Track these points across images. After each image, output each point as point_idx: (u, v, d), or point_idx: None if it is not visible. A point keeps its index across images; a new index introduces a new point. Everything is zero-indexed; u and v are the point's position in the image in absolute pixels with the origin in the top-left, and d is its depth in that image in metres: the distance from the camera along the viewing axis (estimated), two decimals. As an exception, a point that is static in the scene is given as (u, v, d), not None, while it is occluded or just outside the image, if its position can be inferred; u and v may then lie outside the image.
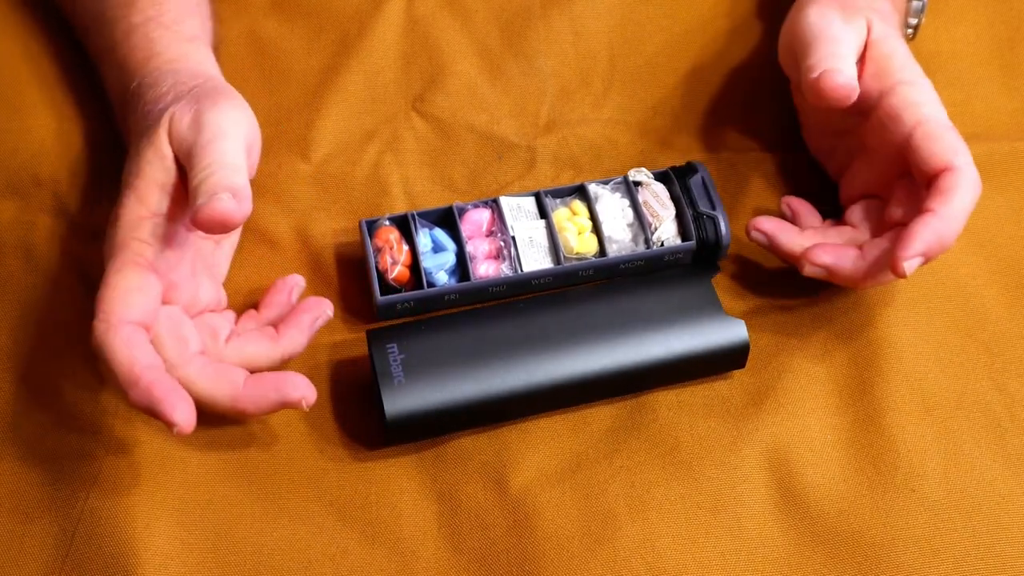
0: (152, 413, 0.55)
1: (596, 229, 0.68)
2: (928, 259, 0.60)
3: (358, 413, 0.65)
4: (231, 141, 0.58)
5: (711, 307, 0.64)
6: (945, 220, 0.59)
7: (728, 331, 0.64)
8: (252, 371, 0.60)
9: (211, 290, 0.64)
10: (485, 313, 0.65)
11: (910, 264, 0.59)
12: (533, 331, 0.63)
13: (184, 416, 0.55)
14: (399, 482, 0.63)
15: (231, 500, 0.62)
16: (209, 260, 0.65)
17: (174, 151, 0.59)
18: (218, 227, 0.56)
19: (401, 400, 0.61)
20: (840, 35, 0.63)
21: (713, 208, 0.68)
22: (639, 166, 0.72)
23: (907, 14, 0.73)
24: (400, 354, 0.62)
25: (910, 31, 0.74)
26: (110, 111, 0.70)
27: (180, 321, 0.60)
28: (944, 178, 0.60)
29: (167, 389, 0.55)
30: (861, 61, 0.65)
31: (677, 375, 0.65)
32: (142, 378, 0.55)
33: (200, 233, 0.61)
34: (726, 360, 0.65)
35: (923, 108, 0.62)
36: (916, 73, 0.64)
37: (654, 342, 0.63)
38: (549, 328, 0.63)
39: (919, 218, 0.60)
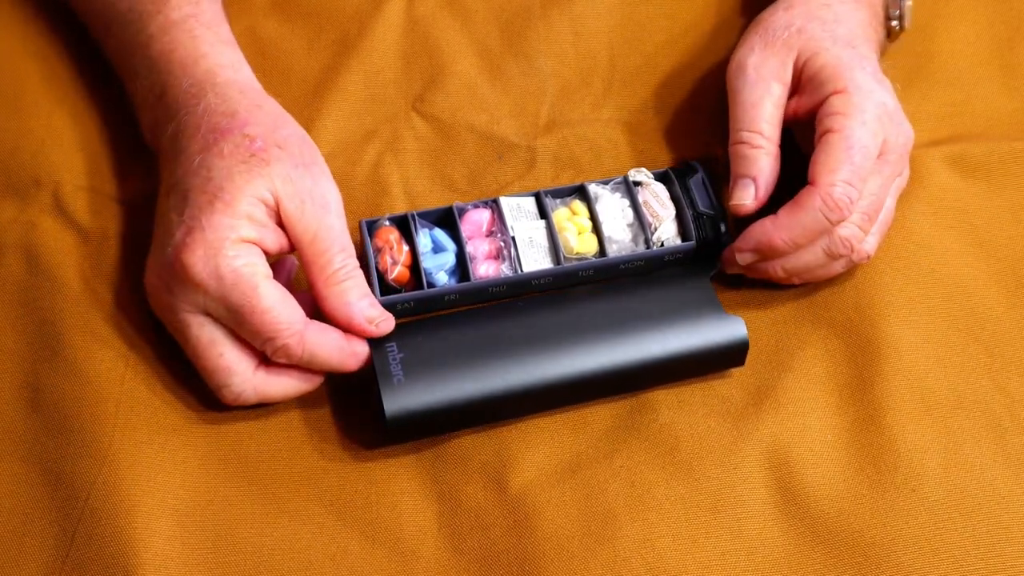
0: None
1: (596, 229, 0.68)
2: (761, 256, 0.65)
3: (358, 413, 0.65)
4: (345, 225, 0.63)
5: (710, 305, 0.64)
6: (779, 227, 0.64)
7: (727, 329, 0.64)
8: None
9: None
10: (484, 313, 0.65)
11: (742, 256, 0.66)
12: (532, 330, 0.63)
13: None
14: (399, 482, 0.63)
15: (231, 500, 0.62)
16: None
17: (282, 211, 0.61)
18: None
19: (401, 399, 0.61)
20: (754, 99, 0.67)
21: (713, 208, 0.68)
22: (639, 166, 0.72)
23: (887, 6, 0.73)
24: (399, 353, 0.62)
25: (894, 23, 0.73)
26: (125, 107, 0.70)
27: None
28: (805, 190, 0.64)
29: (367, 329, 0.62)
30: (797, 84, 0.68)
31: (677, 374, 0.65)
32: (356, 345, 0.62)
33: (276, 253, 0.63)
34: (725, 358, 0.65)
35: (836, 119, 0.64)
36: (846, 80, 0.65)
37: (654, 341, 0.63)
38: (548, 327, 0.63)
39: (761, 220, 0.65)
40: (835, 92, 0.65)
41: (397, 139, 0.74)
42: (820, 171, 0.64)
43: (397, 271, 0.66)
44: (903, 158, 0.67)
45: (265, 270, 0.60)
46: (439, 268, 0.67)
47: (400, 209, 0.71)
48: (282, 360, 0.61)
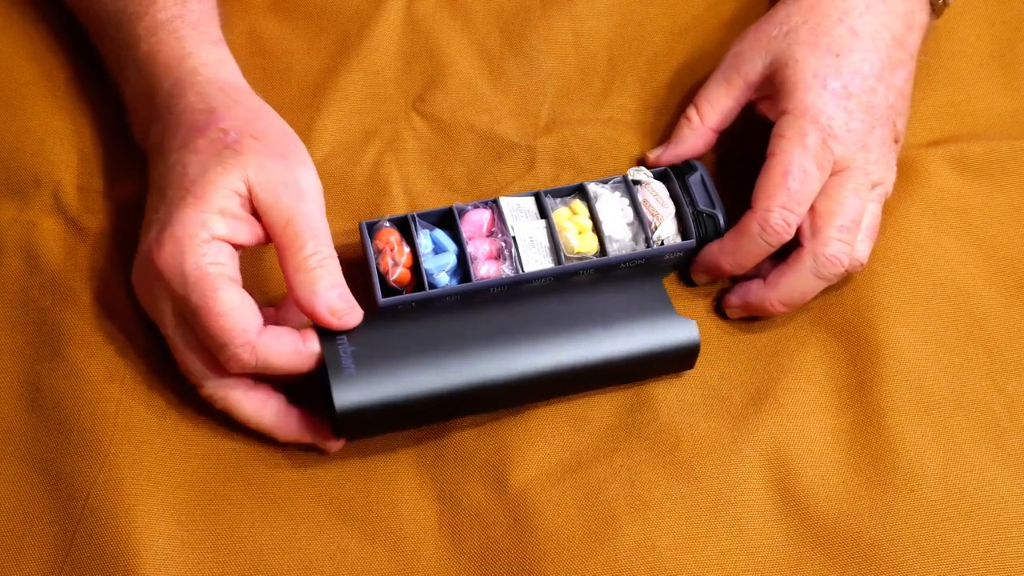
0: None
1: (596, 228, 0.68)
2: (714, 279, 0.68)
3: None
4: (323, 214, 0.62)
5: (663, 306, 0.64)
6: (724, 250, 0.66)
7: (679, 330, 0.64)
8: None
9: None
10: (437, 308, 0.64)
11: (697, 278, 0.69)
12: (484, 327, 0.62)
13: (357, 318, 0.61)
14: (399, 481, 0.63)
15: (231, 500, 0.62)
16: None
17: (255, 201, 0.60)
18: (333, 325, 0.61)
19: (351, 392, 0.60)
20: (714, 81, 0.71)
21: (713, 206, 0.68)
22: (638, 166, 0.72)
23: None
24: (350, 346, 0.61)
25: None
26: (122, 108, 0.70)
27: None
28: (746, 215, 0.65)
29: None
30: (769, 88, 0.69)
31: (630, 373, 0.65)
32: (311, 344, 0.61)
33: (252, 245, 0.62)
34: (677, 360, 0.65)
35: (779, 141, 0.65)
36: (796, 101, 0.66)
37: (605, 340, 0.63)
38: (501, 324, 0.63)
39: (709, 245, 0.67)
40: (784, 112, 0.66)
41: (397, 139, 0.74)
42: (758, 196, 0.65)
43: (398, 272, 0.66)
44: (877, 164, 0.67)
45: (231, 272, 0.59)
46: (440, 269, 0.67)
47: (400, 209, 0.71)
48: (234, 370, 0.60)
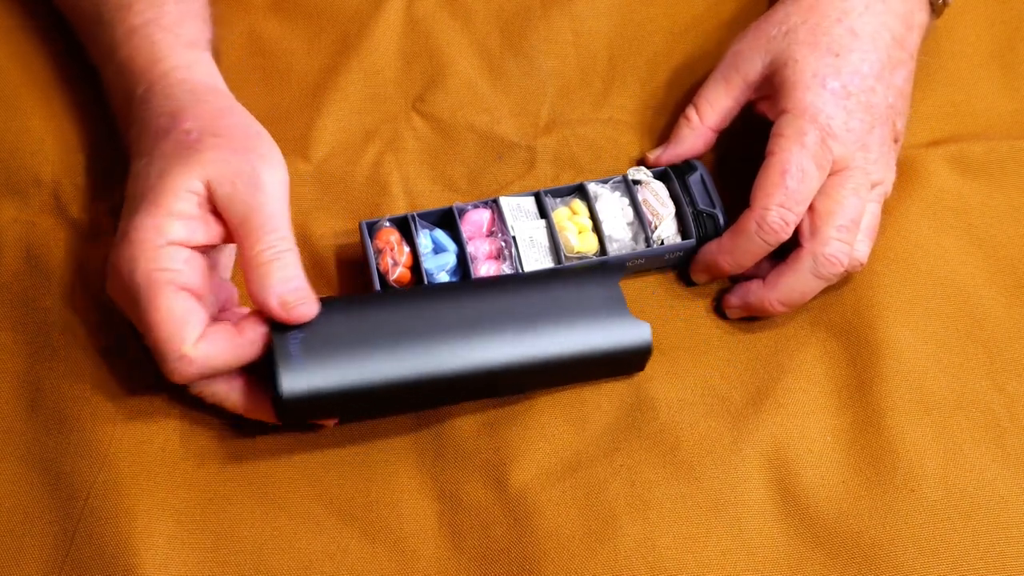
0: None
1: (596, 228, 0.68)
2: (713, 278, 0.69)
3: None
4: (286, 211, 0.60)
5: (617, 306, 0.63)
6: (723, 249, 0.66)
7: (632, 332, 0.63)
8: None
9: (225, 288, 0.64)
10: (389, 298, 0.63)
11: (697, 277, 0.69)
12: (436, 320, 0.61)
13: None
14: (399, 481, 0.63)
15: (231, 500, 0.62)
16: (218, 262, 0.65)
17: (214, 198, 0.59)
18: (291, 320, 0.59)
19: (296, 379, 0.58)
20: (713, 81, 0.71)
21: (713, 206, 0.68)
22: (638, 165, 0.72)
23: None
24: (300, 332, 0.60)
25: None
26: (110, 113, 0.70)
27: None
28: (744, 214, 0.65)
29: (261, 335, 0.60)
30: (768, 87, 0.69)
31: (579, 371, 0.64)
32: (249, 332, 0.59)
33: (214, 244, 0.61)
34: (627, 361, 0.64)
35: (778, 140, 0.65)
36: (795, 101, 0.66)
37: (555, 336, 0.62)
38: (452, 318, 0.62)
39: (708, 244, 0.68)
40: (783, 111, 0.66)
41: (397, 139, 0.74)
42: (756, 195, 0.65)
43: (398, 272, 0.66)
44: (876, 164, 0.67)
45: (185, 279, 0.58)
46: (440, 269, 0.67)
47: (400, 209, 0.71)
48: (177, 382, 0.59)
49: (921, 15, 0.70)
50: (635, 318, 0.63)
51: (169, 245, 0.58)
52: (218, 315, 0.62)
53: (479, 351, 0.61)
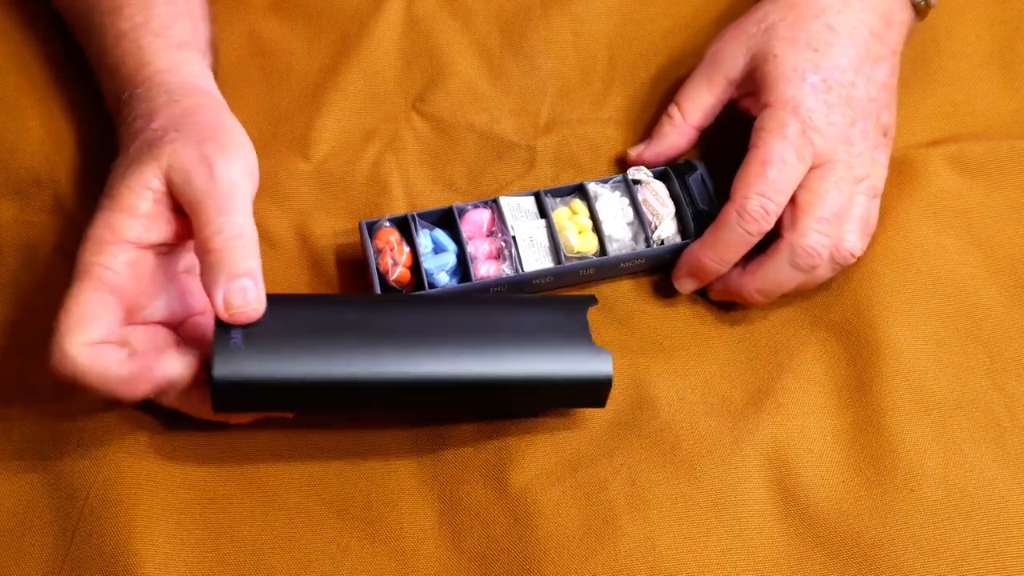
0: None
1: (596, 228, 0.68)
2: (699, 279, 0.67)
3: (357, 412, 0.65)
4: (244, 199, 0.59)
5: (580, 334, 0.61)
6: (704, 246, 0.66)
7: (591, 362, 0.60)
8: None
9: (174, 306, 0.62)
10: (345, 300, 0.63)
11: (680, 284, 0.68)
12: (389, 325, 0.60)
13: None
14: (399, 481, 0.63)
15: (231, 500, 0.62)
16: (193, 267, 0.64)
17: (172, 191, 0.59)
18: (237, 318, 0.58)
19: (234, 365, 0.57)
20: (695, 80, 0.72)
21: (712, 205, 0.68)
22: (638, 165, 0.72)
23: None
24: (244, 326, 0.58)
25: (921, 1, 0.72)
26: (107, 114, 0.70)
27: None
28: (725, 207, 0.65)
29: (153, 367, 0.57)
30: (750, 84, 0.69)
31: (531, 397, 0.62)
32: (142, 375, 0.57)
33: (172, 243, 0.61)
34: (584, 392, 0.61)
35: (760, 134, 0.66)
36: (776, 95, 0.66)
37: (510, 357, 0.59)
38: (406, 325, 0.60)
39: (690, 245, 0.67)
40: (765, 106, 0.67)
41: (397, 139, 0.74)
42: (737, 186, 0.65)
43: (398, 272, 0.66)
44: (860, 158, 0.67)
45: (113, 279, 0.57)
46: (440, 269, 0.67)
47: (400, 208, 0.71)
48: (56, 378, 0.57)
49: (902, 13, 0.71)
50: (598, 347, 0.60)
51: (116, 243, 0.58)
52: (181, 321, 0.62)
53: (424, 361, 0.59)
